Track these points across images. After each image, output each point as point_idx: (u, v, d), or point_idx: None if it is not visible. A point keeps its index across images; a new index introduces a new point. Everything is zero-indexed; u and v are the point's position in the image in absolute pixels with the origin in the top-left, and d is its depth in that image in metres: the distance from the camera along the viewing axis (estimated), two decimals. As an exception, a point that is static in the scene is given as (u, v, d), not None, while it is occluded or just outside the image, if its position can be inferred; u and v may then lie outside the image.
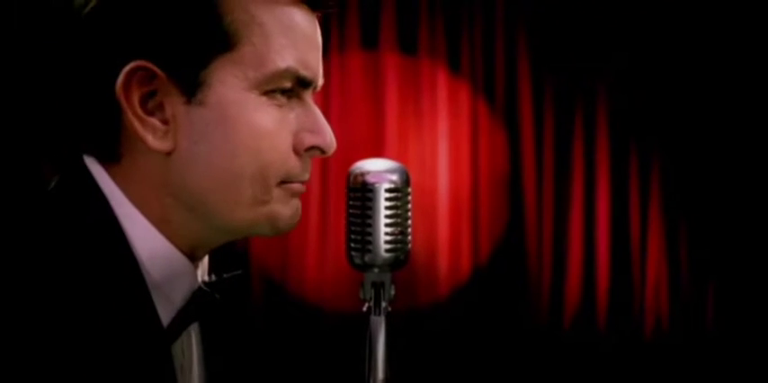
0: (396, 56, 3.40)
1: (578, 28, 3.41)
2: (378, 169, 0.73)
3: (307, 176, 0.82)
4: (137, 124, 0.75)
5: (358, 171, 0.74)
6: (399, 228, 0.72)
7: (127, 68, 0.74)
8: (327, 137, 0.80)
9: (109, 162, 0.79)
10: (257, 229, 0.82)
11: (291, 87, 0.79)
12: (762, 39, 3.28)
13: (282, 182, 0.80)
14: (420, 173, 3.43)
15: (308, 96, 0.81)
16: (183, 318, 0.81)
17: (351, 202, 0.74)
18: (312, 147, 0.80)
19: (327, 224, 3.37)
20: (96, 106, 0.76)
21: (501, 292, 3.43)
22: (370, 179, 0.73)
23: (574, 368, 3.31)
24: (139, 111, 0.75)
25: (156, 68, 0.74)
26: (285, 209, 0.81)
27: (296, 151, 0.80)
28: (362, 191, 0.72)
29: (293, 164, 0.80)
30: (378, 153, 3.36)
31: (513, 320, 3.42)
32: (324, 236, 3.37)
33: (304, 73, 0.79)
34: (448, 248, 3.45)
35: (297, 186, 0.81)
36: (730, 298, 3.37)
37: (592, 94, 3.46)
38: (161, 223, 0.79)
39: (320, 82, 0.83)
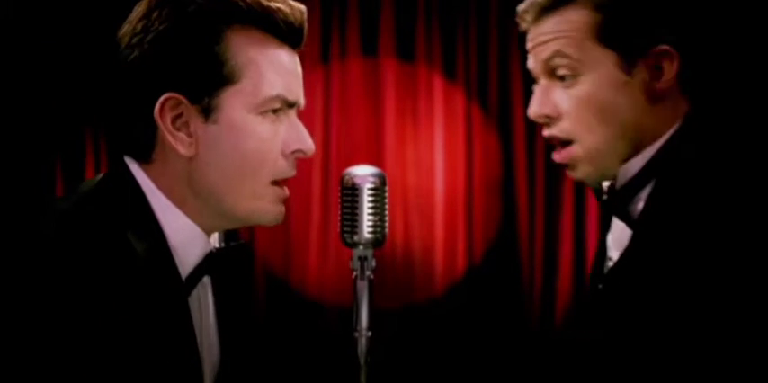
0: (394, 62, 3.55)
1: None
2: (363, 173, 1.05)
3: (293, 173, 1.14)
4: (170, 137, 1.07)
5: (348, 175, 1.06)
6: (378, 217, 1.04)
7: (162, 98, 1.06)
8: (307, 142, 1.11)
9: (144, 162, 1.11)
10: (253, 218, 1.15)
11: (280, 107, 1.10)
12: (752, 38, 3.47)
13: (274, 182, 1.12)
14: (417, 175, 3.58)
15: (293, 113, 1.13)
16: (197, 273, 1.13)
17: (343, 198, 1.06)
18: (296, 150, 1.11)
19: (329, 223, 3.53)
20: (140, 123, 1.08)
21: (494, 290, 3.58)
22: (357, 180, 1.05)
23: (563, 363, 3.49)
24: (171, 128, 1.07)
25: (182, 98, 1.06)
26: (274, 208, 1.13)
27: (284, 154, 1.12)
28: (351, 190, 1.05)
29: (281, 163, 1.12)
30: (376, 155, 3.54)
31: (505, 317, 3.56)
32: (326, 234, 3.54)
33: (289, 97, 1.11)
34: (443, 247, 3.59)
35: (282, 192, 1.13)
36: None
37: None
38: (182, 205, 1.12)
39: (302, 102, 1.14)
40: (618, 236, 1.21)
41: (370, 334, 1.04)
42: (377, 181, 1.05)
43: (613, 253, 1.22)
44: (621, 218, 1.19)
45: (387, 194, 1.06)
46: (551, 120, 1.21)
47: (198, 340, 1.12)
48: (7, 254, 1.01)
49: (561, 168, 1.24)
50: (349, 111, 3.59)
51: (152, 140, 1.09)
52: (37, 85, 3.37)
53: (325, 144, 3.56)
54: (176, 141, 1.08)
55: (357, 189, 1.04)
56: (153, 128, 1.08)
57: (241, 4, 1.08)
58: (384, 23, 3.55)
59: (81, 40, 3.36)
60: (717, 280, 1.03)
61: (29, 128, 3.40)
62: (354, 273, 1.05)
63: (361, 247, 1.05)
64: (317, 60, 3.47)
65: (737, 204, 1.05)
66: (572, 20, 1.19)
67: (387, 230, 1.06)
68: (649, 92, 1.18)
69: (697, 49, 1.20)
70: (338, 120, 3.59)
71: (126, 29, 1.10)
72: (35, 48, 3.36)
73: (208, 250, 1.14)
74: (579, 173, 1.22)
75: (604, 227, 1.25)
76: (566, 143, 1.21)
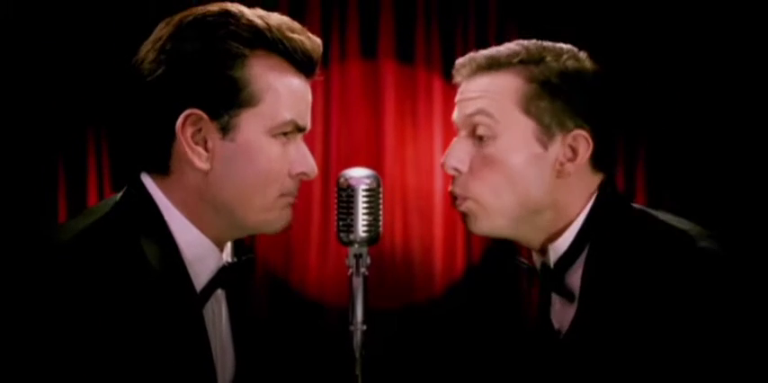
0: (393, 64, 3.60)
1: (568, 38, 3.63)
2: (358, 175, 1.12)
3: (296, 192, 1.21)
4: (188, 151, 1.14)
5: (344, 177, 1.13)
6: (373, 216, 1.11)
7: (185, 113, 1.13)
8: (311, 166, 1.19)
9: (160, 175, 1.17)
10: (261, 228, 1.22)
11: (291, 131, 1.18)
12: (741, 34, 3.49)
13: (281, 195, 1.19)
14: (416, 175, 3.63)
15: (300, 137, 1.21)
16: (211, 286, 1.19)
17: (339, 199, 1.12)
18: (301, 173, 1.19)
19: (329, 223, 3.56)
20: (159, 137, 1.15)
21: (492, 288, 3.62)
22: (352, 182, 1.11)
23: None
24: (190, 142, 1.14)
25: (203, 115, 1.13)
26: (281, 215, 1.21)
27: (289, 175, 1.19)
28: (347, 191, 1.11)
29: (288, 183, 1.20)
30: (376, 156, 3.59)
31: (503, 314, 3.56)
32: (326, 234, 3.58)
33: (300, 122, 1.19)
34: (442, 247, 3.65)
35: (290, 199, 1.21)
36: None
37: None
38: (195, 220, 1.18)
39: (309, 127, 1.22)
40: (559, 309, 1.28)
41: (365, 327, 1.10)
42: (372, 182, 1.12)
43: (558, 325, 1.28)
44: (560, 294, 1.26)
45: (381, 195, 1.12)
46: (459, 174, 1.28)
47: (213, 350, 1.18)
48: (27, 270, 1.07)
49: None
50: (349, 112, 3.65)
51: (168, 152, 1.16)
52: (39, 85, 3.41)
53: (325, 145, 3.61)
54: (193, 154, 1.15)
55: (353, 190, 1.11)
56: (171, 140, 1.15)
57: (267, 33, 1.15)
58: (383, 26, 3.61)
59: (82, 39, 3.40)
60: (660, 342, 1.11)
61: (31, 127, 3.43)
62: (350, 270, 1.11)
63: (356, 245, 1.11)
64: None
65: (664, 268, 1.13)
66: (503, 84, 1.25)
67: (381, 229, 1.12)
68: (559, 169, 1.24)
69: (609, 138, 1.28)
70: (338, 121, 3.64)
71: (150, 45, 1.16)
72: (37, 48, 3.39)
73: (221, 264, 1.21)
74: (473, 227, 1.29)
75: (544, 302, 1.31)
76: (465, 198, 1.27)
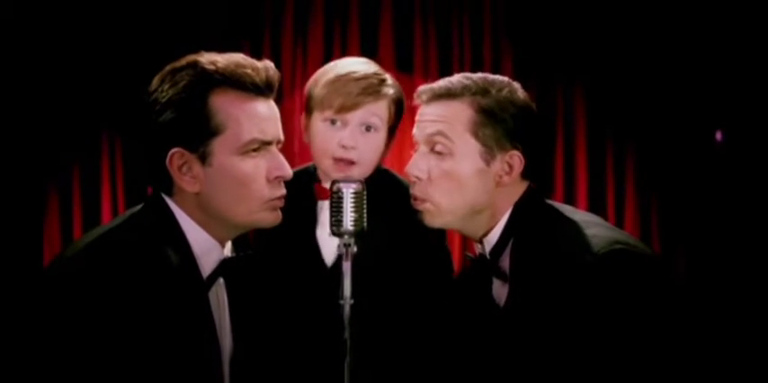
0: (393, 74, 3.75)
1: (561, 46, 3.88)
2: (347, 181, 1.46)
3: (281, 192, 1.53)
4: (178, 179, 1.49)
5: (336, 183, 1.47)
6: (358, 214, 1.44)
7: (171, 153, 1.47)
8: (285, 169, 1.51)
9: (169, 195, 1.52)
10: (254, 225, 1.56)
11: (258, 147, 1.49)
12: (732, 32, 3.70)
13: (267, 201, 1.52)
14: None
15: (273, 147, 1.52)
16: (214, 275, 1.54)
17: (332, 200, 1.46)
18: (278, 176, 1.51)
19: None
20: (160, 171, 1.49)
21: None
22: (342, 187, 1.45)
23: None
24: (179, 174, 1.49)
25: (185, 151, 1.47)
26: (269, 216, 1.54)
27: (268, 180, 1.52)
28: (338, 193, 1.45)
29: (268, 188, 1.52)
30: None
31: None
32: None
33: (264, 138, 1.50)
34: None
35: (277, 202, 1.54)
36: (699, 270, 3.87)
37: (570, 102, 3.97)
38: (202, 224, 1.53)
39: (281, 138, 1.53)
40: (497, 288, 1.64)
41: (352, 301, 1.44)
42: (357, 187, 1.46)
43: (497, 300, 1.64)
44: (496, 276, 1.63)
45: (365, 197, 1.47)
46: (419, 180, 1.63)
47: (216, 327, 1.51)
48: (81, 262, 1.41)
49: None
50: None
51: (169, 181, 1.51)
52: (55, 91, 3.64)
53: (327, 151, 3.86)
54: (183, 183, 1.49)
55: (342, 193, 1.46)
56: (168, 172, 1.49)
57: (216, 75, 1.47)
58: (383, 39, 3.91)
59: (99, 45, 3.64)
60: (565, 304, 1.47)
61: (48, 131, 3.68)
62: (341, 256, 1.46)
63: (345, 236, 1.45)
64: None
65: (563, 250, 1.51)
66: (456, 111, 1.60)
67: (365, 224, 1.47)
68: (498, 181, 1.60)
69: (538, 156, 1.65)
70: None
71: (148, 94, 1.49)
72: (50, 52, 3.61)
73: (222, 257, 1.55)
74: (428, 222, 1.65)
75: (486, 283, 1.66)
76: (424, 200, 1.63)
